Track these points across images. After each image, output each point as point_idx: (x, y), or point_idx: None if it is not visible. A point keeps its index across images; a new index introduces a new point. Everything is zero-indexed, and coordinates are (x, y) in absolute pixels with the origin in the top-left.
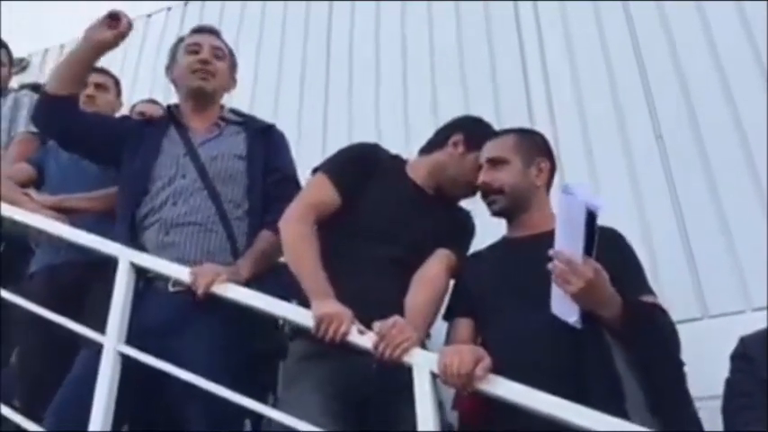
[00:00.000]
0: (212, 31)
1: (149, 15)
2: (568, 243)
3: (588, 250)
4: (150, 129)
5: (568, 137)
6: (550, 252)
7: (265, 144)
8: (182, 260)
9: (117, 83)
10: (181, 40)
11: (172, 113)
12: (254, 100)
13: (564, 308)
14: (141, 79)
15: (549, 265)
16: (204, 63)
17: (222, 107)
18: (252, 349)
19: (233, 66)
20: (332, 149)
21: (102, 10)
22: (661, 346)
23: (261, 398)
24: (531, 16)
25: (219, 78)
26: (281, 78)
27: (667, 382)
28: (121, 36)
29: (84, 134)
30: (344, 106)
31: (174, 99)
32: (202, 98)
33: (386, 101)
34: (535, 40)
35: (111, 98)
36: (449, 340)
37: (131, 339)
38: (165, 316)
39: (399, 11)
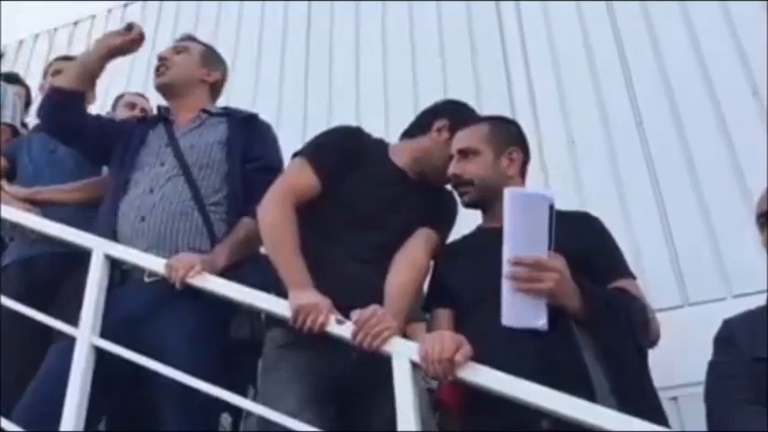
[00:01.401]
0: (183, 38)
1: (126, 5)
2: (528, 242)
3: (549, 245)
4: (141, 126)
5: (550, 126)
6: (508, 258)
7: (247, 133)
8: (156, 245)
9: None
10: None
11: (161, 112)
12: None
13: (524, 315)
14: (137, 71)
15: (506, 272)
16: (160, 59)
17: (209, 103)
18: (230, 338)
19: (206, 57)
20: (312, 134)
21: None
22: (619, 332)
23: (240, 388)
24: (512, 9)
25: (176, 69)
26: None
27: (627, 369)
28: (132, 42)
29: (85, 131)
30: (325, 95)
31: None
32: (166, 92)
33: (366, 102)
34: (516, 34)
35: None
36: (429, 330)
37: (107, 330)
38: (142, 306)
39: (381, 10)
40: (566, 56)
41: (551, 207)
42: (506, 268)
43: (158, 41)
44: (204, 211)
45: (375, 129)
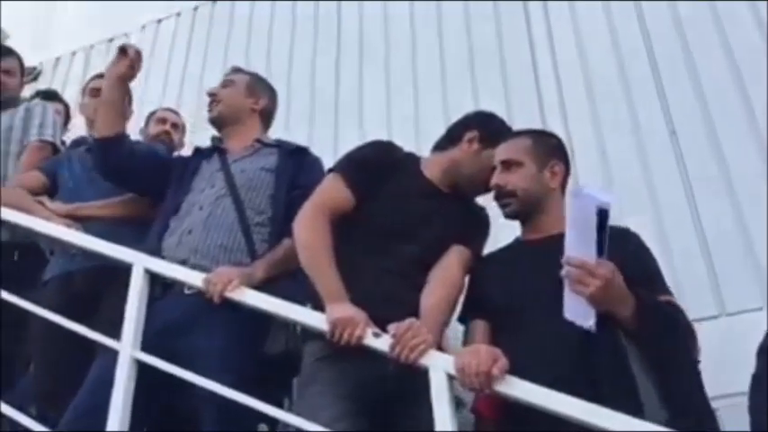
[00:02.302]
0: (231, 71)
1: (179, 14)
2: (580, 245)
3: (601, 250)
4: (197, 157)
5: (581, 136)
6: (563, 259)
7: (296, 163)
8: (199, 252)
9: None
10: None
11: (214, 142)
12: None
13: (578, 313)
14: (171, 82)
15: (562, 271)
16: (210, 95)
17: (263, 134)
18: (267, 350)
19: (252, 87)
20: (343, 150)
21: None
22: (675, 344)
23: (276, 400)
24: (541, 14)
25: (225, 102)
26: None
27: (682, 381)
28: (132, 64)
29: (136, 170)
30: (355, 107)
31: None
32: (217, 124)
33: (396, 103)
34: (545, 39)
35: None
36: (466, 343)
37: (147, 342)
38: (181, 316)
39: (408, 12)
40: (596, 62)
41: (603, 212)
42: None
43: (190, 56)
44: (248, 231)
45: (403, 135)
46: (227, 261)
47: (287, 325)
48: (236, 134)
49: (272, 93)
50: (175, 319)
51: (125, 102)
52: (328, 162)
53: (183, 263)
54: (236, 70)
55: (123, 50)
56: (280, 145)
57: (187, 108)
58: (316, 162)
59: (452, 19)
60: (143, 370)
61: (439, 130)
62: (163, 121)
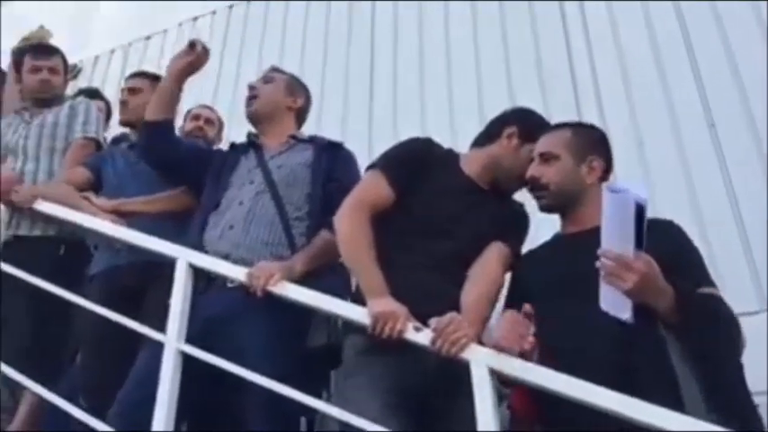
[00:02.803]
0: (269, 70)
1: (214, 13)
2: (617, 240)
3: (639, 244)
4: (233, 152)
5: (618, 129)
6: (598, 251)
7: (331, 158)
8: (241, 246)
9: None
10: None
11: (250, 138)
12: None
13: (615, 305)
14: (207, 79)
15: (598, 264)
16: (249, 90)
17: (297, 130)
18: (309, 344)
19: (291, 85)
20: (379, 149)
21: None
22: (716, 337)
23: (315, 393)
24: (576, 7)
25: (264, 98)
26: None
27: (723, 374)
28: (197, 61)
29: (180, 158)
30: (389, 104)
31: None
32: (256, 121)
33: (431, 98)
34: (581, 31)
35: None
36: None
37: (191, 335)
38: (224, 309)
39: (443, 10)
40: (632, 55)
41: (641, 207)
42: (600, 259)
43: (225, 54)
44: (287, 226)
45: (439, 132)
46: (269, 255)
47: (328, 319)
48: (271, 131)
49: (308, 93)
50: (218, 313)
51: (179, 95)
52: (362, 159)
53: (226, 257)
54: (275, 69)
55: (192, 45)
56: (314, 140)
57: (223, 105)
58: (349, 156)
59: (486, 13)
60: (187, 365)
61: (473, 127)
62: (197, 117)
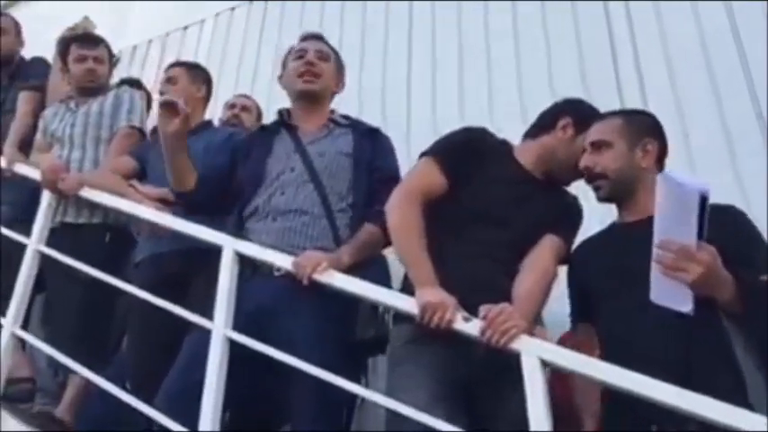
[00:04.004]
0: (316, 37)
1: (233, 9)
2: (677, 230)
3: (700, 234)
4: (263, 134)
5: (662, 119)
6: (656, 242)
7: (371, 145)
8: (286, 243)
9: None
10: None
11: (283, 117)
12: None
13: (672, 297)
14: (244, 68)
15: (654, 255)
16: (310, 65)
17: (333, 111)
18: (359, 336)
19: (339, 67)
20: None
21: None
22: None
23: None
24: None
25: (325, 79)
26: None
27: None
28: (185, 119)
29: (221, 197)
30: (428, 92)
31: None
32: (310, 99)
33: (469, 100)
34: (624, 18)
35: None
36: (576, 343)
37: (238, 321)
38: (271, 297)
39: (483, 9)
40: (678, 45)
41: (704, 198)
42: (655, 251)
43: (263, 43)
44: (331, 217)
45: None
46: (313, 247)
47: (375, 310)
48: (314, 111)
49: (345, 75)
50: (265, 302)
51: (183, 161)
52: (400, 142)
53: (271, 247)
54: (320, 38)
55: (170, 105)
56: (352, 125)
57: (260, 93)
58: (388, 143)
59: (528, 7)
60: (233, 352)
61: (512, 115)
62: (233, 106)
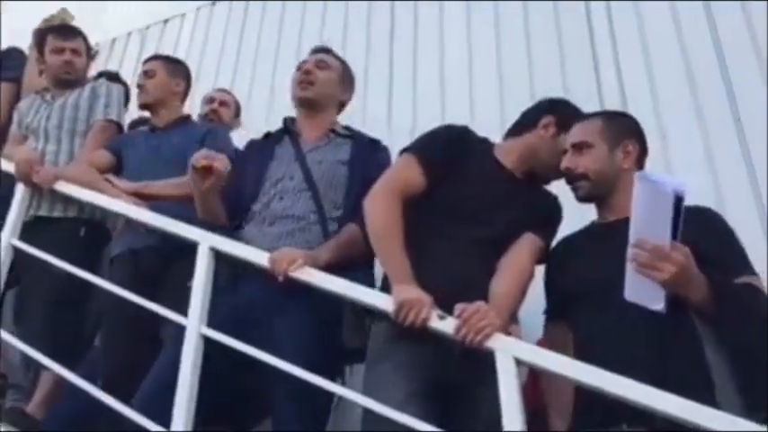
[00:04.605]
0: (323, 50)
1: (214, 3)
2: (651, 228)
3: (674, 234)
4: (266, 141)
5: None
6: (632, 241)
7: (369, 156)
8: (280, 243)
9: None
10: None
11: (286, 124)
12: None
13: (645, 294)
14: (225, 62)
15: (629, 254)
16: (306, 74)
17: (336, 122)
18: (346, 344)
19: (344, 77)
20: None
21: None
22: (750, 328)
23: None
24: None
25: (321, 86)
26: None
27: (759, 368)
28: (221, 177)
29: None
30: (409, 96)
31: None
32: (307, 106)
33: (451, 94)
34: (605, 23)
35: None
36: (548, 341)
37: (225, 319)
38: (256, 298)
39: (465, 9)
40: (658, 50)
41: (679, 198)
42: (630, 248)
43: (244, 38)
44: (325, 224)
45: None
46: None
47: (362, 322)
48: (315, 119)
49: (354, 86)
50: (253, 302)
51: (216, 205)
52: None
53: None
54: (327, 50)
55: (209, 169)
56: (353, 135)
57: (240, 88)
58: (387, 154)
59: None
60: (215, 349)
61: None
62: (211, 100)
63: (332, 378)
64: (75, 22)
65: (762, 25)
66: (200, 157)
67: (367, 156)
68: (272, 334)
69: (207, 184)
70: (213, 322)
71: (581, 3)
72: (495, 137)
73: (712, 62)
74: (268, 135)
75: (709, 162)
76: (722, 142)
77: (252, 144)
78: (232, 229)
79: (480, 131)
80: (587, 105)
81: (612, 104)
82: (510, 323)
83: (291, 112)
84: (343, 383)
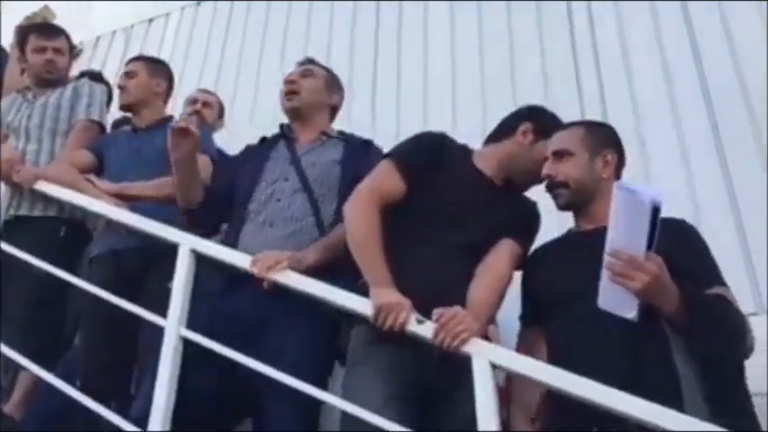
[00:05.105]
0: (307, 61)
1: (199, 3)
2: (627, 238)
3: (649, 245)
4: (262, 145)
5: (620, 127)
6: (607, 250)
7: (362, 157)
8: (277, 245)
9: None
10: None
11: (283, 130)
12: None
13: (618, 303)
14: (209, 62)
15: (605, 262)
16: (290, 83)
17: (330, 127)
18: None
19: (330, 83)
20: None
21: None
22: (719, 339)
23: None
24: (583, 3)
25: (307, 95)
26: None
27: (725, 376)
28: (195, 142)
29: (221, 213)
30: (393, 96)
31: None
32: (295, 116)
33: (434, 96)
34: (586, 28)
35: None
36: (520, 346)
37: (218, 326)
38: (253, 309)
39: (448, 7)
40: (637, 54)
41: (656, 209)
42: (605, 257)
43: (228, 38)
44: (321, 226)
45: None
46: None
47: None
48: (306, 126)
49: (342, 90)
50: (247, 309)
51: (194, 180)
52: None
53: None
54: (312, 61)
55: (185, 131)
56: (346, 137)
57: (225, 89)
58: (379, 154)
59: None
60: (206, 354)
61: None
62: (194, 101)
63: (324, 380)
64: (62, 21)
65: (739, 30)
66: (179, 121)
67: (359, 156)
68: (265, 338)
69: (183, 146)
70: (204, 327)
71: (563, 3)
72: (478, 141)
73: (690, 68)
74: (264, 140)
75: (686, 167)
76: (699, 147)
77: (249, 148)
78: (233, 230)
79: (463, 135)
80: (568, 110)
81: (592, 109)
82: (488, 327)
83: (275, 113)
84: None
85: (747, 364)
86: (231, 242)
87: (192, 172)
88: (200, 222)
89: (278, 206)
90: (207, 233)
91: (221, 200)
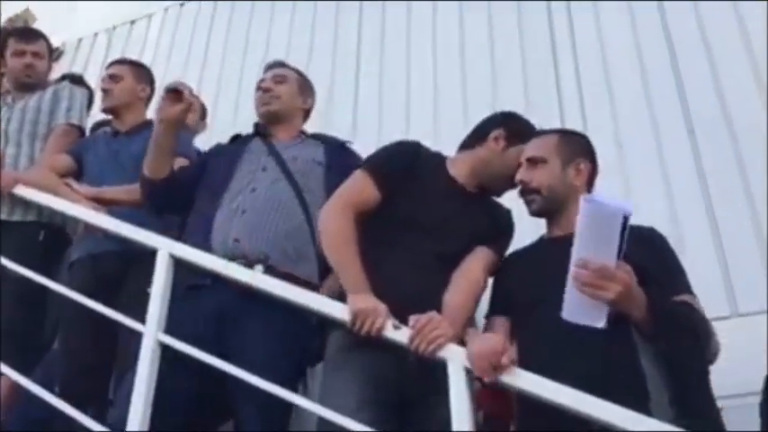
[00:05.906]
0: (278, 65)
1: (182, 4)
2: (595, 248)
3: (617, 254)
4: (234, 142)
5: (599, 131)
6: (575, 261)
7: (341, 158)
8: (250, 234)
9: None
10: None
11: (258, 128)
12: None
13: (584, 313)
14: (192, 64)
15: (571, 273)
16: (266, 91)
17: (304, 129)
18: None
19: (303, 86)
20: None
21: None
22: (686, 346)
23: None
24: (563, 7)
25: (283, 100)
26: None
27: (690, 383)
28: (188, 109)
29: (184, 197)
30: (375, 98)
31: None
32: (272, 121)
33: (416, 97)
34: (566, 32)
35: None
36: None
37: (192, 330)
38: (224, 307)
39: (431, 7)
40: (616, 59)
41: (626, 219)
42: (572, 268)
43: (211, 40)
44: (308, 212)
45: (424, 131)
46: (289, 243)
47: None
48: (281, 131)
49: (314, 92)
50: (220, 309)
51: (171, 151)
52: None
53: (236, 241)
54: (282, 64)
55: (176, 91)
56: (323, 139)
57: (207, 91)
58: (354, 156)
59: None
60: (182, 359)
61: (457, 130)
62: None
63: (295, 381)
64: (43, 22)
65: (715, 33)
66: (175, 84)
67: (342, 161)
68: (236, 338)
69: (172, 111)
70: (179, 326)
71: (543, 3)
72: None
73: (668, 72)
74: (236, 138)
75: (662, 170)
76: (676, 151)
77: (219, 145)
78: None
79: (443, 137)
80: (547, 113)
81: (571, 113)
82: (464, 333)
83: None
84: (305, 385)
85: (747, 364)
86: (202, 230)
87: (169, 142)
88: (156, 196)
89: (252, 196)
90: (159, 211)
91: (186, 182)
